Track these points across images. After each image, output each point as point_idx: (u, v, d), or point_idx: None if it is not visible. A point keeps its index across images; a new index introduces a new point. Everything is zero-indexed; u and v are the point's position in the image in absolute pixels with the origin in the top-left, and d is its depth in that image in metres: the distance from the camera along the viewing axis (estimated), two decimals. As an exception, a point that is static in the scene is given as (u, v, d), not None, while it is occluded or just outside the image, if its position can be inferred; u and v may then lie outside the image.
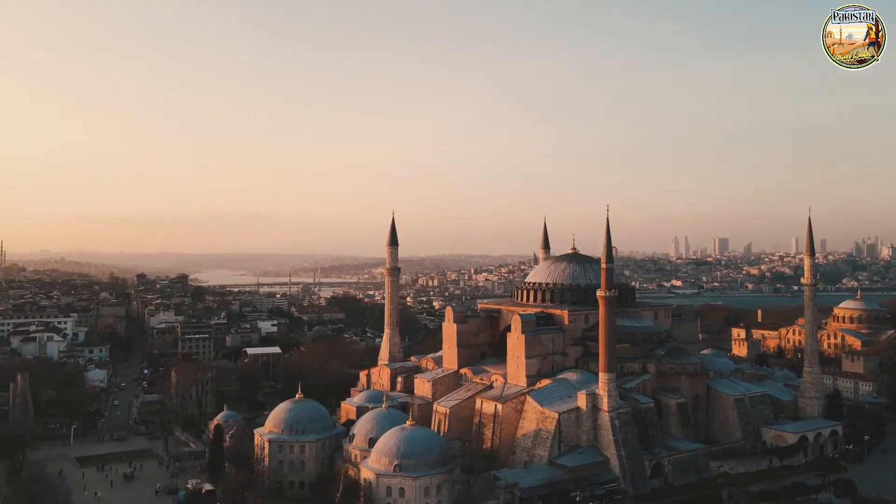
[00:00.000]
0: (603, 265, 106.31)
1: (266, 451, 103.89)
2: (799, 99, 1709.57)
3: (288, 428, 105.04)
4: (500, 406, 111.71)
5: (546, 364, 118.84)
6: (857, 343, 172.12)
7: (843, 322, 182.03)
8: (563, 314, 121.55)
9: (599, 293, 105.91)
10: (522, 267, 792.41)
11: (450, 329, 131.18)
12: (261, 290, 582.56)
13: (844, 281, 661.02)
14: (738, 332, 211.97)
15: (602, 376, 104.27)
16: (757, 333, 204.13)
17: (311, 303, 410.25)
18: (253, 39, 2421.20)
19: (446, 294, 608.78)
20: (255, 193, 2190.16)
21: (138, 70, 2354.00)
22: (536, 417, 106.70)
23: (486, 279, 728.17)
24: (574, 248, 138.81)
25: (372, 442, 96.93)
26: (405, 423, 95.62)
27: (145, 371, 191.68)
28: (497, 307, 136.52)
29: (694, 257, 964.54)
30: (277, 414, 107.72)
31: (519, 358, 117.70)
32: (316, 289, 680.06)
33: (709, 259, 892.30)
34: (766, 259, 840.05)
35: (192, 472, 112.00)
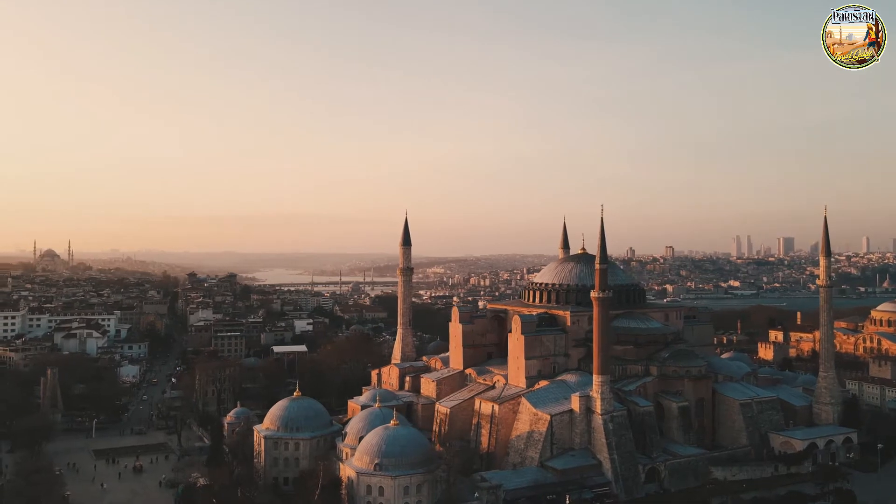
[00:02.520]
0: (597, 266, 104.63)
1: (262, 447, 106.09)
2: (866, 94, 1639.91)
3: (283, 425, 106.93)
4: (496, 407, 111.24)
5: (547, 365, 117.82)
6: (894, 347, 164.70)
7: (881, 325, 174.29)
8: (566, 315, 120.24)
9: (593, 294, 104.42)
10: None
11: (455, 329, 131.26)
12: (314, 288, 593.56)
13: (885, 284, 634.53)
14: (775, 335, 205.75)
15: (596, 378, 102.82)
16: (795, 336, 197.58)
17: (356, 302, 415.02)
18: (310, 44, 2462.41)
19: (496, 294, 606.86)
20: (316, 194, 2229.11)
21: (204, 75, 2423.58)
22: (530, 419, 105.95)
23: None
24: (583, 249, 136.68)
25: (361, 440, 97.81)
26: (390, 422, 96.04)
27: (178, 368, 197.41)
28: (504, 307, 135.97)
29: (756, 257, 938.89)
30: (274, 411, 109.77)
31: (519, 359, 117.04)
32: (367, 288, 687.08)
33: (771, 259, 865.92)
34: (833, 259, 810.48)
35: (198, 467, 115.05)
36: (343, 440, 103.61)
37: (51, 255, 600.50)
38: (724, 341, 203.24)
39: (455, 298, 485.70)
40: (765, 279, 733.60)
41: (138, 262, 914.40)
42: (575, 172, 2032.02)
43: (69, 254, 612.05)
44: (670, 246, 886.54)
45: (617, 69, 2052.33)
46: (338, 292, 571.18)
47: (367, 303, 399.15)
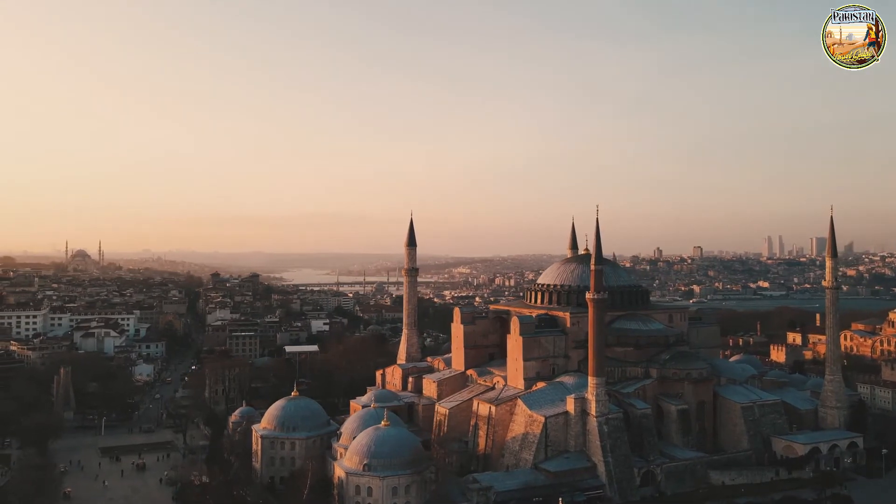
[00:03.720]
0: (592, 267, 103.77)
1: (259, 446, 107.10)
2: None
3: (280, 425, 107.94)
4: (493, 408, 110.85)
5: (546, 367, 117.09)
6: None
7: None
8: (566, 316, 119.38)
9: (588, 296, 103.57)
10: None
11: (457, 330, 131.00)
12: (339, 288, 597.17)
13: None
14: (793, 337, 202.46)
15: (591, 380, 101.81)
16: (814, 338, 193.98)
17: (377, 302, 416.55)
18: (338, 46, 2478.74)
19: (520, 294, 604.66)
20: (345, 194, 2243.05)
21: (234, 77, 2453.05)
22: (525, 421, 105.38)
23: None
24: (586, 249, 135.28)
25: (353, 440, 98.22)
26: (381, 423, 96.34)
27: (192, 367, 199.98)
28: (506, 308, 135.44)
29: (788, 257, 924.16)
30: (272, 411, 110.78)
31: (517, 360, 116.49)
32: (392, 288, 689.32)
33: (802, 260, 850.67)
34: (867, 259, 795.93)
35: (199, 465, 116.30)
36: (338, 440, 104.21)
37: (82, 255, 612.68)
38: (741, 343, 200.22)
39: (477, 299, 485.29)
40: (795, 280, 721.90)
41: (168, 261, 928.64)
42: (604, 172, 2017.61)
43: (100, 254, 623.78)
44: (698, 246, 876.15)
45: (642, 68, 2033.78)
46: (361, 292, 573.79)
47: (388, 303, 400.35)
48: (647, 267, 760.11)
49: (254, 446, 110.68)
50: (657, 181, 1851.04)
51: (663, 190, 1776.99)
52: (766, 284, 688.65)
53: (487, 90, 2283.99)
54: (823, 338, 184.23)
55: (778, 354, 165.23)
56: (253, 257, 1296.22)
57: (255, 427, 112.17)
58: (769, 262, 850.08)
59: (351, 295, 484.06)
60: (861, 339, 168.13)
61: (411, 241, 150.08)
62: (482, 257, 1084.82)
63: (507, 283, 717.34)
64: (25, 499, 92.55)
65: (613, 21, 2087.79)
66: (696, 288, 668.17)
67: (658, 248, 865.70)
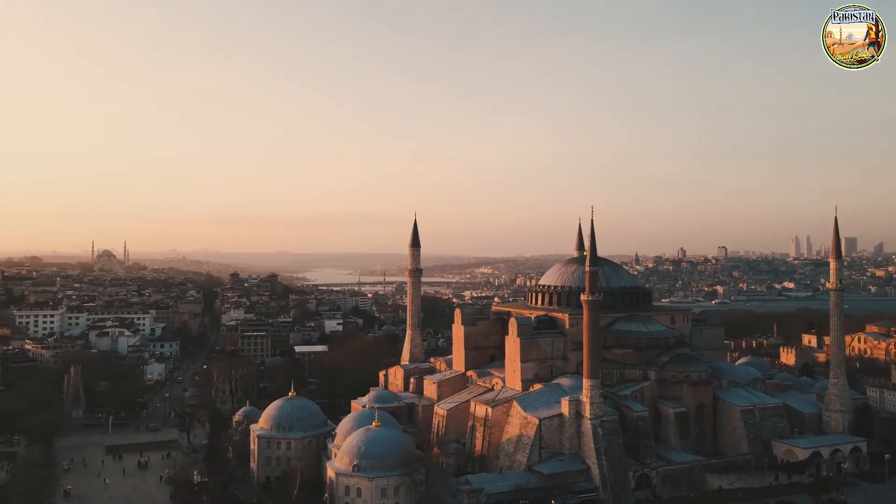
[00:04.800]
0: (587, 268, 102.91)
1: (255, 446, 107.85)
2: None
3: (276, 425, 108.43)
4: (490, 410, 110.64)
5: (545, 368, 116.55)
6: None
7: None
8: (565, 318, 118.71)
9: (583, 297, 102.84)
10: (624, 266, 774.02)
11: (458, 331, 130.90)
12: (360, 288, 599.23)
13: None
14: (808, 339, 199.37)
15: (586, 382, 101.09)
16: (829, 340, 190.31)
17: (394, 302, 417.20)
18: (365, 41, 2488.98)
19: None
20: (368, 194, 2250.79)
21: (259, 76, 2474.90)
22: (520, 423, 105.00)
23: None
24: (577, 251, 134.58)
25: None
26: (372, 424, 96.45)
27: (204, 366, 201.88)
28: (507, 309, 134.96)
29: (816, 257, 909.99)
30: (269, 411, 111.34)
31: (515, 361, 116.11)
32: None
33: (830, 260, 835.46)
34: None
35: (200, 464, 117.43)
36: (332, 440, 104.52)
37: (107, 255, 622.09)
38: (754, 345, 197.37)
39: (496, 299, 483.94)
40: (822, 280, 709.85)
41: (193, 261, 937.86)
42: (629, 172, 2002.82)
43: (125, 253, 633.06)
44: (723, 246, 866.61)
45: (667, 66, 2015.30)
46: (381, 292, 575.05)
47: (405, 303, 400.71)
48: (671, 267, 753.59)
49: (251, 446, 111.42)
50: (682, 181, 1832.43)
51: (689, 190, 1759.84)
52: (791, 285, 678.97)
53: (502, 89, 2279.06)
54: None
55: (788, 357, 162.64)
56: (277, 257, 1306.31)
57: (252, 427, 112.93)
58: (796, 262, 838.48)
59: (370, 295, 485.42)
60: (875, 342, 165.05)
61: (415, 242, 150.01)
62: (505, 257, 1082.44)
63: (528, 283, 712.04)
64: (26, 497, 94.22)
65: (642, 21, 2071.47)
66: (719, 289, 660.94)
67: (682, 249, 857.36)
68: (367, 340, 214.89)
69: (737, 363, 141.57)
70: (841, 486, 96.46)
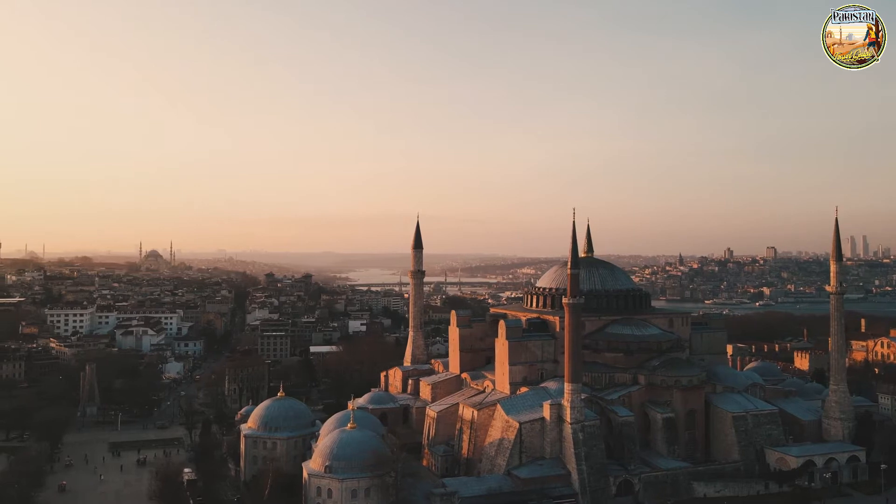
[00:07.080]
0: (568, 271, 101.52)
1: (243, 445, 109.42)
2: None
3: (263, 424, 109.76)
4: (476, 413, 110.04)
5: (534, 371, 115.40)
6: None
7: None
8: (556, 320, 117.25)
9: (564, 300, 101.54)
10: (667, 268, 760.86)
11: (454, 333, 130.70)
12: (401, 288, 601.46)
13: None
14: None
15: (567, 386, 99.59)
16: (857, 344, 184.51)
17: (427, 302, 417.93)
18: (408, 41, 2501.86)
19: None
20: (415, 195, 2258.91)
21: (309, 77, 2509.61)
22: (502, 426, 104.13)
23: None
24: (586, 253, 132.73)
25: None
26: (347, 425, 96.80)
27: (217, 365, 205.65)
28: (503, 311, 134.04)
29: (871, 258, 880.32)
30: (257, 411, 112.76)
31: (503, 364, 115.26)
32: (450, 287, 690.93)
33: (886, 262, 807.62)
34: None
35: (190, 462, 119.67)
36: (316, 441, 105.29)
37: (154, 255, 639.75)
38: (777, 349, 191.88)
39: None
40: (877, 282, 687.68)
41: (238, 262, 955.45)
42: (677, 172, 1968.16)
43: (171, 254, 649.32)
44: (772, 246, 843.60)
45: (718, 64, 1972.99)
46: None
47: (438, 303, 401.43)
48: (716, 268, 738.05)
49: (241, 445, 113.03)
50: (732, 180, 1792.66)
51: (737, 189, 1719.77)
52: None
53: (563, 88, 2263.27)
54: (862, 343, 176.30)
55: (802, 361, 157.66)
56: (323, 257, 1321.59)
57: (241, 426, 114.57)
58: (850, 263, 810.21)
59: (406, 295, 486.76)
60: (894, 348, 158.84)
61: (417, 244, 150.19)
62: (548, 258, 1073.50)
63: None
64: (19, 490, 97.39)
65: (697, 18, 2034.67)
66: (766, 290, 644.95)
67: (729, 249, 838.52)
68: (383, 341, 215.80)
69: (746, 368, 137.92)
70: (826, 496, 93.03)
